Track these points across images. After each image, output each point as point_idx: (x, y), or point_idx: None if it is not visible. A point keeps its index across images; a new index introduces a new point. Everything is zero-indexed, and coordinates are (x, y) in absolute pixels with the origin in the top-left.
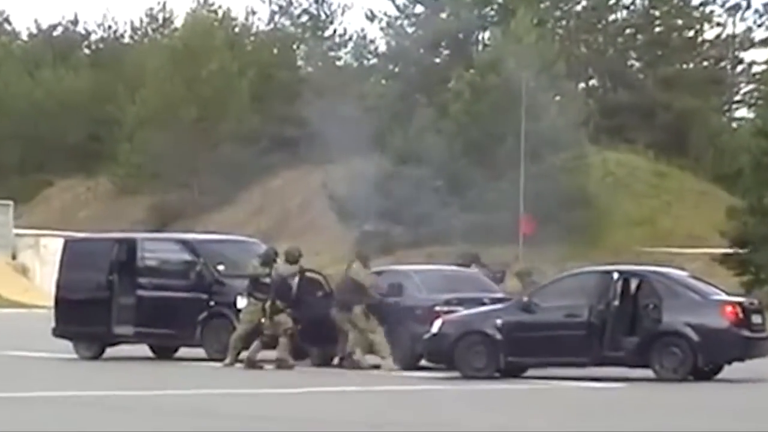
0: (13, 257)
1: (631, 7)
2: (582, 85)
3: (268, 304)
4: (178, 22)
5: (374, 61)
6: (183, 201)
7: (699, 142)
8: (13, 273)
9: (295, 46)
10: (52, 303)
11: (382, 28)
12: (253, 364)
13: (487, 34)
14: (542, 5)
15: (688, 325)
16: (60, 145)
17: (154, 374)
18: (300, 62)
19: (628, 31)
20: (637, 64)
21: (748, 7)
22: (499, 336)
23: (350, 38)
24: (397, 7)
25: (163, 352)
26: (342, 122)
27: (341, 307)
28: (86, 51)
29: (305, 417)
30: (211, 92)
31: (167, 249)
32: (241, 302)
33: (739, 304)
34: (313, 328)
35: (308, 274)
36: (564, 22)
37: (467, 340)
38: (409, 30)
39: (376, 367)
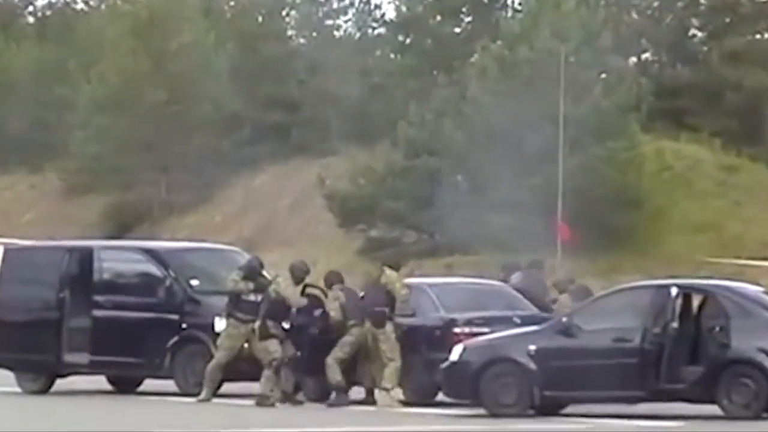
0: None
1: None
2: (633, 60)
3: (257, 325)
4: None
5: (381, 30)
6: (148, 201)
7: None
8: None
9: (284, 13)
10: None
11: None
12: (264, 399)
13: None
14: None
15: (762, 351)
16: None
17: (113, 412)
18: (290, 32)
19: None
20: (699, 35)
21: None
22: (532, 365)
23: (351, 3)
24: None
25: (125, 385)
26: (342, 105)
27: (374, 322)
28: (30, 19)
29: None
30: (183, 69)
31: (129, 259)
32: (220, 324)
33: None
34: (310, 354)
35: (309, 290)
36: None
37: (494, 369)
38: None
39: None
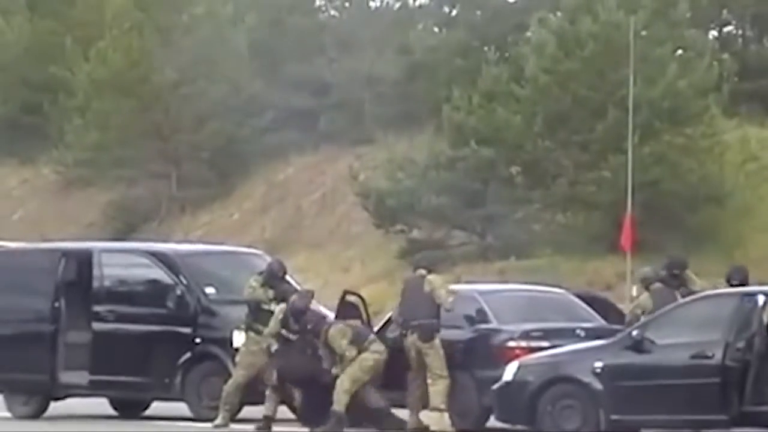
0: None
1: None
2: (713, 33)
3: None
4: None
5: (423, 1)
6: (156, 197)
7: None
8: None
9: None
10: None
11: None
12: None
13: None
14: None
15: None
16: None
17: None
18: (319, 3)
19: None
20: None
21: None
22: (598, 385)
23: None
24: None
25: (130, 409)
26: (378, 87)
27: (422, 334)
28: None
29: None
30: (195, 46)
31: (134, 264)
32: (239, 338)
33: None
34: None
35: (348, 297)
36: None
37: (554, 390)
38: None
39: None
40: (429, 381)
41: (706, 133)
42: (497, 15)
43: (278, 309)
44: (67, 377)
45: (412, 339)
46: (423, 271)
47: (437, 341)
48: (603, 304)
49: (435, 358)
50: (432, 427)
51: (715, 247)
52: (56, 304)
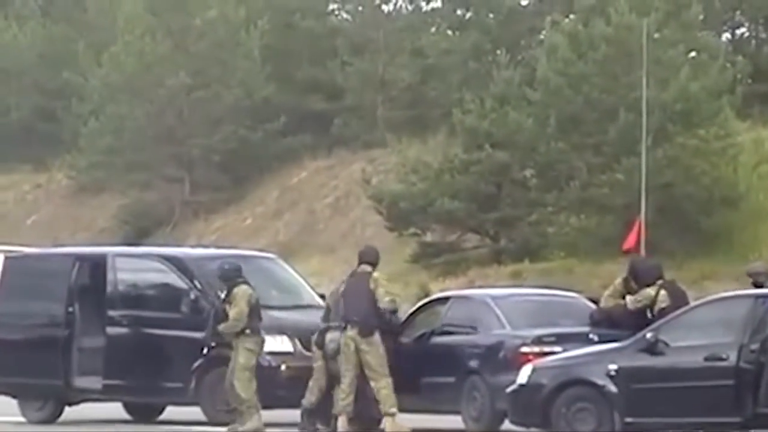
0: None
1: None
2: (726, 36)
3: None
4: None
5: (436, 4)
6: (169, 201)
7: None
8: None
9: None
10: None
11: None
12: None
13: None
14: None
15: None
16: None
17: None
18: (332, 7)
19: None
20: None
21: None
22: (613, 388)
23: None
24: None
25: (144, 413)
26: (391, 91)
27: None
28: None
29: None
30: (208, 50)
31: (148, 269)
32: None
33: None
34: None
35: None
36: None
37: (568, 393)
38: None
39: None
40: (372, 383)
41: (719, 135)
42: (510, 18)
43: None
44: (81, 382)
45: (351, 334)
46: (368, 268)
47: (377, 338)
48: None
49: (374, 355)
50: (387, 430)
51: (730, 250)
52: (70, 309)
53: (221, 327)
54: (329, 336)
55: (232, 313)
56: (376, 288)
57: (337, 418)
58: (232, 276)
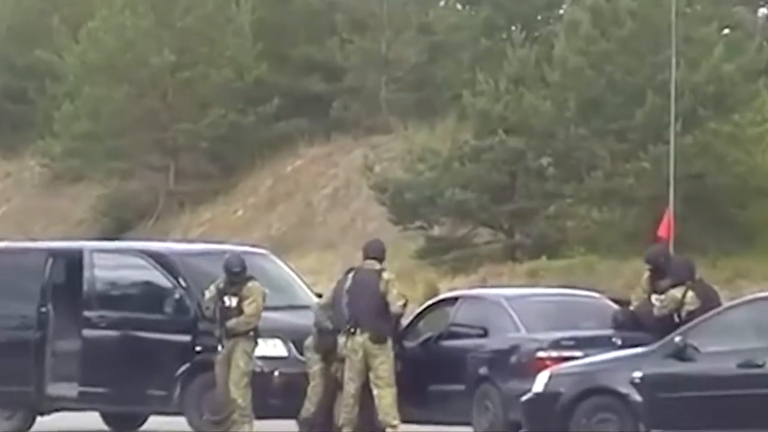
0: None
1: None
2: (763, 12)
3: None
4: None
5: None
6: (152, 192)
7: None
8: None
9: None
10: None
11: None
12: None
13: None
14: None
15: None
16: None
17: None
18: None
19: None
20: None
21: None
22: (637, 396)
23: None
24: None
25: (124, 424)
26: (395, 71)
27: (375, 335)
28: None
29: None
30: (195, 25)
31: (129, 265)
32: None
33: None
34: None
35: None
36: None
37: (589, 403)
38: None
39: None
40: (375, 390)
41: (755, 121)
42: None
43: None
44: (54, 389)
45: (361, 340)
46: (375, 264)
47: (390, 344)
48: None
49: (386, 363)
50: None
51: (766, 246)
52: (43, 309)
53: (232, 322)
54: (342, 340)
55: (249, 308)
56: (387, 290)
57: (341, 429)
58: (241, 271)
